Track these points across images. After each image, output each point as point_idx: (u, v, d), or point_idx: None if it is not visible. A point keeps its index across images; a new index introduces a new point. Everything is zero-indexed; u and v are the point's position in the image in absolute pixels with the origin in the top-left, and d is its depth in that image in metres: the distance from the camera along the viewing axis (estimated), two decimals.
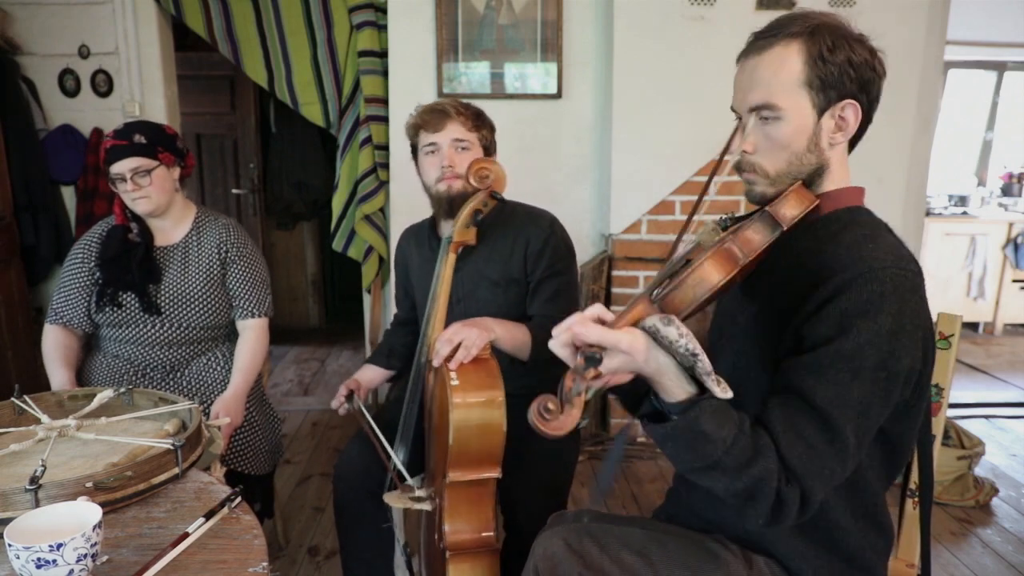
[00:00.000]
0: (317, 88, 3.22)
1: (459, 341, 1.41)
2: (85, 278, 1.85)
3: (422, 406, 1.64)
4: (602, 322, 0.87)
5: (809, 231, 1.01)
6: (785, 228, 0.95)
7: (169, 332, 1.84)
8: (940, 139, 4.51)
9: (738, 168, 1.08)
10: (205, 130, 4.37)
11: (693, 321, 0.91)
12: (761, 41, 1.02)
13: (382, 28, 3.08)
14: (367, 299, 3.40)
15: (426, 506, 1.52)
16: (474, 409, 1.35)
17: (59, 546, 0.83)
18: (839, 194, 1.05)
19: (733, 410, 0.87)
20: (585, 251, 3.12)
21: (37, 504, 1.00)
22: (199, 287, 1.86)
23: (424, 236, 1.83)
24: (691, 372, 0.86)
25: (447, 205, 1.65)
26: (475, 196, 1.56)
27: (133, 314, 1.82)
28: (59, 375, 1.78)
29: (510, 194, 1.83)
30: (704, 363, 0.84)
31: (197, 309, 1.86)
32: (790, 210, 0.96)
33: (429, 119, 1.65)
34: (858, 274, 0.92)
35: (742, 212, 1.11)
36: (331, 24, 3.13)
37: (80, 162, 3.08)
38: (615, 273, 3.03)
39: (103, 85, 3.09)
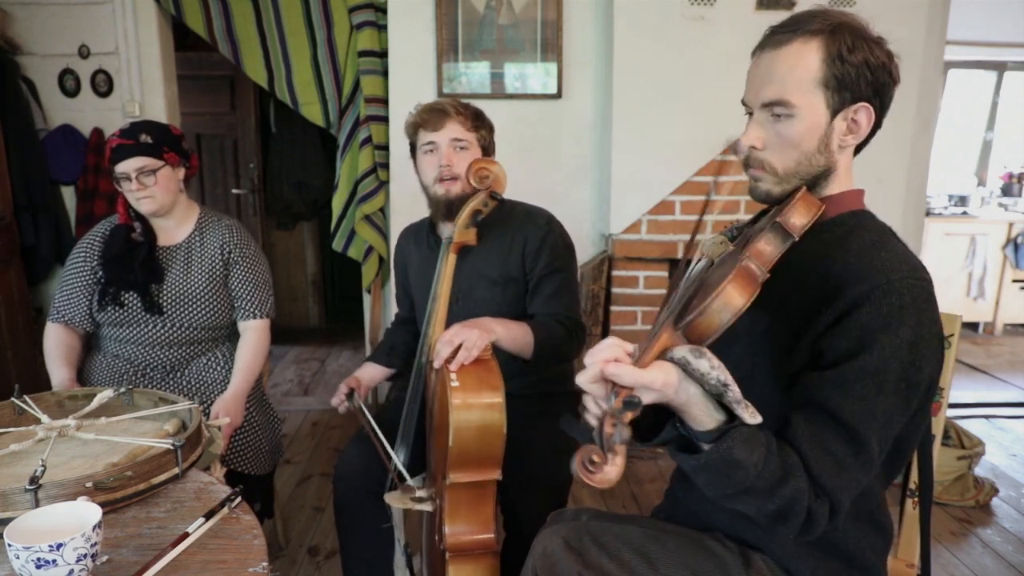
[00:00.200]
0: (317, 88, 3.22)
1: (460, 342, 1.41)
2: (88, 277, 1.85)
3: (423, 406, 1.64)
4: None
5: (814, 236, 1.00)
6: (797, 238, 0.93)
7: (170, 332, 1.84)
8: (940, 139, 4.51)
9: (745, 164, 1.07)
10: (205, 130, 4.37)
11: None
12: (779, 36, 1.00)
13: (382, 28, 3.08)
14: (367, 299, 3.40)
15: (427, 507, 1.51)
16: (474, 411, 1.35)
17: (59, 546, 0.83)
18: (841, 198, 1.04)
19: (760, 432, 0.86)
20: (585, 251, 3.12)
21: (37, 504, 1.00)
22: (201, 287, 1.86)
23: (423, 235, 1.83)
24: (719, 399, 0.85)
25: (445, 209, 1.65)
26: (475, 196, 1.56)
27: (135, 313, 1.82)
28: (59, 374, 1.78)
29: (510, 194, 1.83)
30: (735, 392, 0.83)
31: (199, 309, 1.86)
32: (799, 219, 0.95)
33: (428, 118, 1.65)
34: (875, 286, 0.91)
35: (742, 211, 1.10)
36: (331, 24, 3.13)
37: (80, 162, 3.08)
38: (615, 273, 3.02)
39: (103, 85, 3.09)
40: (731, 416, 0.85)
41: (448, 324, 1.49)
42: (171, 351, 1.87)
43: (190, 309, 1.85)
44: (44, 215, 3.03)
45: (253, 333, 1.91)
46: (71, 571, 0.85)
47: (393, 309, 2.04)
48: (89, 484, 1.04)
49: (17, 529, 0.87)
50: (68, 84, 3.08)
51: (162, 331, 1.84)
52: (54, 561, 0.83)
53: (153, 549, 0.97)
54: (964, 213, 4.91)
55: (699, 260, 1.01)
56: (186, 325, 1.85)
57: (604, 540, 1.09)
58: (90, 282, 1.85)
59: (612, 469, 0.77)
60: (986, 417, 3.47)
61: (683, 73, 2.88)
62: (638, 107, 2.92)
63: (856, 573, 1.07)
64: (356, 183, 3.19)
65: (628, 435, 0.77)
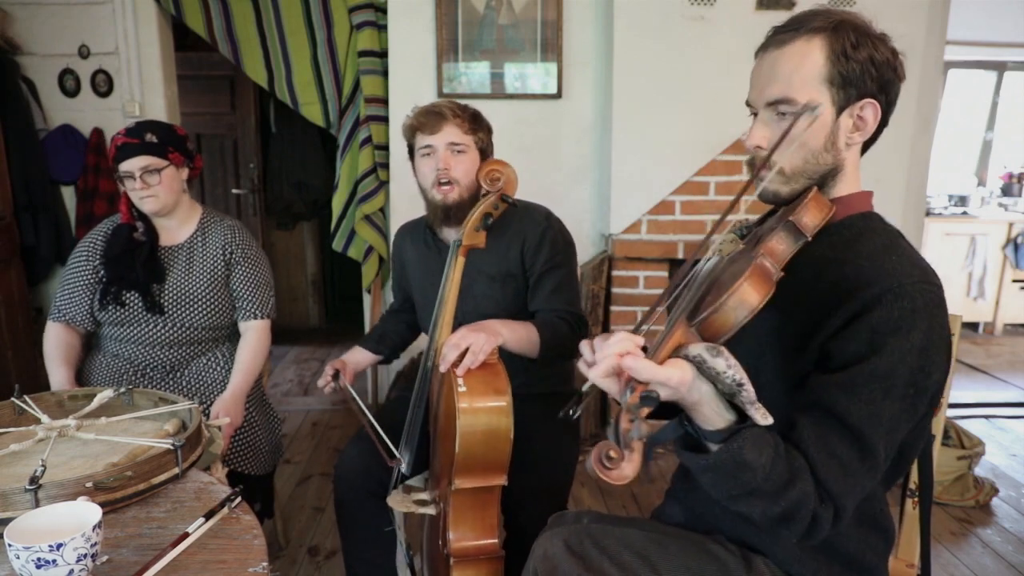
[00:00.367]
0: (317, 88, 3.22)
1: (466, 346, 1.39)
2: (89, 276, 1.85)
3: (427, 409, 1.63)
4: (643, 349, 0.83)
5: (823, 238, 0.99)
6: (809, 238, 0.92)
7: (171, 332, 1.84)
8: (940, 139, 4.51)
9: (750, 164, 1.06)
10: (205, 130, 4.37)
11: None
12: (782, 35, 1.00)
13: (382, 28, 3.08)
14: (367, 299, 3.40)
15: (430, 510, 1.51)
16: (481, 416, 1.33)
17: (59, 546, 0.83)
18: (850, 200, 1.04)
19: (768, 433, 0.85)
20: (585, 251, 3.12)
21: (37, 504, 1.00)
22: (203, 287, 1.86)
23: (420, 233, 1.83)
24: (730, 398, 0.83)
25: (442, 214, 1.65)
26: (486, 199, 1.55)
27: (136, 313, 1.82)
28: (59, 373, 1.78)
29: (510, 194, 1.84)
30: (749, 392, 0.81)
31: (200, 309, 1.86)
32: (812, 218, 0.93)
33: (425, 121, 1.64)
34: (887, 289, 0.90)
35: (742, 211, 1.10)
36: (331, 24, 3.14)
37: (80, 162, 3.08)
38: (615, 273, 3.03)
39: (103, 85, 3.09)
40: (741, 416, 0.84)
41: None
42: (171, 351, 1.87)
43: (191, 309, 1.85)
44: (44, 215, 3.03)
45: (254, 333, 1.91)
46: (71, 571, 0.85)
47: None
48: (89, 484, 1.04)
49: (17, 529, 0.87)
50: (68, 84, 3.08)
51: (163, 331, 1.84)
52: (54, 561, 0.83)
53: (153, 549, 0.97)
54: (964, 213, 4.91)
55: (709, 258, 1.00)
56: (187, 325, 1.85)
57: (605, 543, 1.09)
58: (92, 281, 1.85)
59: (629, 466, 0.76)
60: (986, 417, 3.47)
61: (683, 73, 2.88)
62: (638, 107, 2.92)
63: (857, 575, 1.07)
64: (356, 183, 3.19)
65: (646, 431, 0.76)
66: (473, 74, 3.05)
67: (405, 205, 3.03)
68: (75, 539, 0.84)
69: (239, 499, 1.09)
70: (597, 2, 3.01)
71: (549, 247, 1.69)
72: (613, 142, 2.96)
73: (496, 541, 1.41)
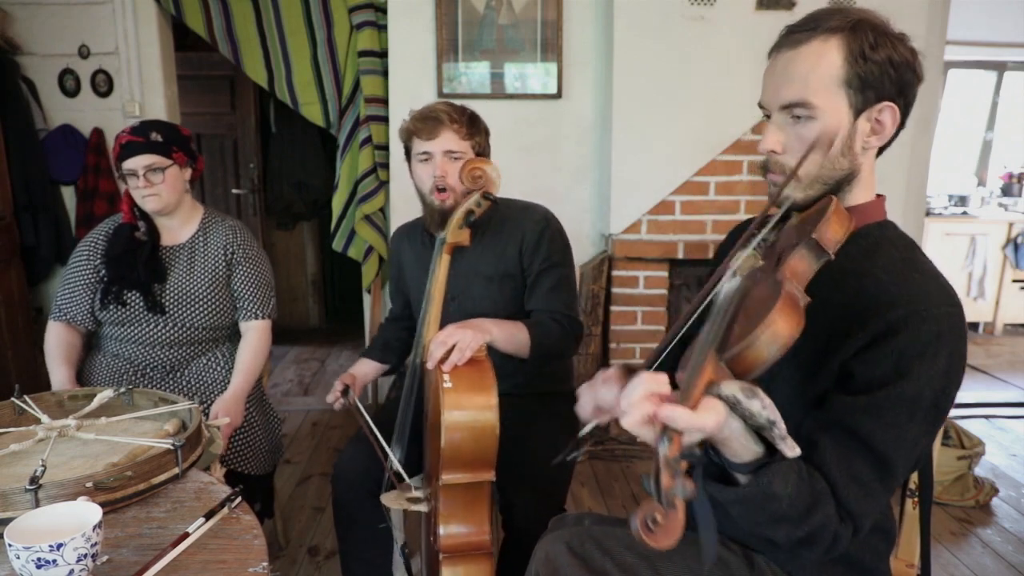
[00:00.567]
0: (317, 88, 3.22)
1: (454, 343, 1.40)
2: (90, 275, 1.85)
3: (418, 406, 1.63)
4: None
5: (839, 249, 0.94)
6: (832, 256, 0.88)
7: (172, 332, 1.84)
8: (940, 139, 4.51)
9: (763, 169, 1.03)
10: (205, 130, 4.37)
11: None
12: (797, 34, 0.96)
13: (382, 28, 3.08)
14: (367, 299, 3.40)
15: (423, 507, 1.51)
16: (466, 412, 1.34)
17: (59, 546, 0.83)
18: (865, 209, 1.01)
19: (794, 460, 0.82)
20: (585, 251, 3.12)
21: (37, 504, 1.00)
22: (204, 287, 1.86)
23: (417, 234, 1.83)
24: (758, 431, 0.81)
25: (439, 218, 1.65)
26: (468, 197, 1.55)
27: (137, 313, 1.82)
28: (60, 373, 1.78)
29: (510, 194, 1.84)
30: (780, 429, 0.79)
31: (201, 309, 1.86)
32: (834, 234, 0.88)
33: (423, 126, 1.63)
34: (913, 312, 0.88)
35: (742, 211, 1.08)
36: (331, 24, 3.13)
37: (80, 162, 3.08)
38: (615, 273, 3.02)
39: (103, 85, 3.09)
40: (767, 445, 0.82)
41: (444, 324, 1.49)
42: (172, 351, 1.87)
43: (192, 309, 1.85)
44: (44, 215, 3.03)
45: (254, 333, 1.91)
46: (71, 571, 0.85)
47: None
48: (89, 484, 1.04)
49: (17, 529, 0.87)
50: (68, 84, 3.08)
51: (164, 331, 1.84)
52: (54, 561, 0.83)
53: (153, 549, 0.97)
54: (964, 213, 4.91)
55: (731, 277, 0.94)
56: (188, 325, 1.85)
57: (607, 544, 1.09)
58: (93, 280, 1.85)
59: (672, 525, 0.69)
60: (986, 417, 3.47)
61: (683, 73, 2.88)
62: (638, 107, 2.92)
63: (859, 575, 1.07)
64: (356, 183, 3.19)
65: (691, 489, 0.69)
66: (473, 74, 3.05)
67: (405, 205, 3.03)
68: (75, 539, 0.84)
69: (239, 499, 1.09)
70: (597, 2, 3.00)
71: (547, 247, 1.69)
72: (613, 142, 2.96)
73: (486, 538, 1.41)
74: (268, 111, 4.63)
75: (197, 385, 1.87)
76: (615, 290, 3.04)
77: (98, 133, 3.08)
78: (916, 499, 1.27)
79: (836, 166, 0.97)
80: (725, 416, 0.77)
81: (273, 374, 4.07)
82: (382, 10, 3.07)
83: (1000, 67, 5.12)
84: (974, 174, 5.38)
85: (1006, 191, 5.22)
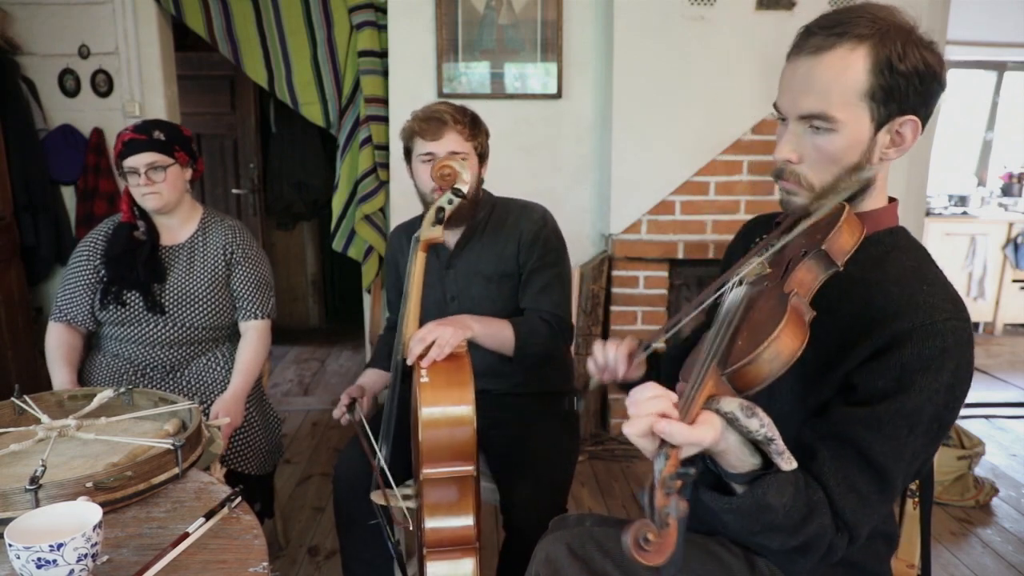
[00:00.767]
0: (317, 88, 3.22)
1: (433, 339, 1.41)
2: (90, 275, 1.85)
3: (403, 403, 1.64)
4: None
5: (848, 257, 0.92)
6: (840, 268, 0.86)
7: (172, 332, 1.84)
8: (940, 139, 4.51)
9: (776, 176, 1.00)
10: (205, 130, 4.37)
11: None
12: (820, 39, 0.90)
13: (382, 28, 3.08)
14: (367, 299, 3.40)
15: (411, 503, 1.52)
16: (443, 406, 1.36)
17: (59, 546, 0.83)
18: (878, 215, 0.99)
19: (790, 471, 0.82)
20: (585, 251, 3.12)
21: (37, 504, 1.00)
22: (203, 287, 1.86)
23: (413, 234, 1.83)
24: (755, 444, 0.81)
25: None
26: (439, 195, 1.55)
27: (137, 313, 1.82)
28: (60, 374, 1.78)
29: (511, 194, 1.84)
30: (778, 445, 0.79)
31: (201, 309, 1.86)
32: (844, 244, 0.86)
33: (427, 127, 1.63)
34: (919, 325, 0.87)
35: (741, 211, 1.07)
36: (331, 24, 3.13)
37: (80, 162, 3.08)
38: (615, 273, 3.03)
39: (103, 85, 3.09)
40: (763, 457, 0.82)
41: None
42: (172, 351, 1.87)
43: (192, 309, 1.85)
44: (44, 215, 3.03)
45: (254, 333, 1.91)
46: (71, 571, 0.85)
47: None
48: (89, 484, 1.04)
49: (17, 529, 0.87)
50: (68, 84, 3.08)
51: (163, 331, 1.84)
52: (54, 561, 0.83)
53: (153, 549, 0.97)
54: (964, 213, 4.91)
55: (736, 285, 0.93)
56: (188, 325, 1.85)
57: (608, 546, 1.09)
58: (92, 281, 1.85)
59: (665, 543, 0.69)
60: (986, 417, 3.47)
61: (683, 73, 2.88)
62: (638, 107, 2.92)
63: None
64: (356, 183, 3.19)
65: (685, 508, 0.70)
66: (473, 74, 3.05)
67: (405, 205, 3.02)
68: (75, 539, 0.84)
69: (239, 499, 1.09)
70: (597, 2, 3.00)
71: (542, 246, 1.70)
72: (613, 142, 2.96)
73: (471, 532, 1.41)
74: (268, 111, 4.63)
75: (197, 385, 1.87)
76: (615, 290, 3.04)
77: (98, 133, 3.08)
78: (916, 499, 1.27)
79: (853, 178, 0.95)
80: (722, 430, 0.77)
81: (273, 374, 4.07)
82: (382, 10, 3.07)
83: (1000, 67, 5.12)
84: (974, 174, 5.38)
85: (1006, 191, 5.22)
